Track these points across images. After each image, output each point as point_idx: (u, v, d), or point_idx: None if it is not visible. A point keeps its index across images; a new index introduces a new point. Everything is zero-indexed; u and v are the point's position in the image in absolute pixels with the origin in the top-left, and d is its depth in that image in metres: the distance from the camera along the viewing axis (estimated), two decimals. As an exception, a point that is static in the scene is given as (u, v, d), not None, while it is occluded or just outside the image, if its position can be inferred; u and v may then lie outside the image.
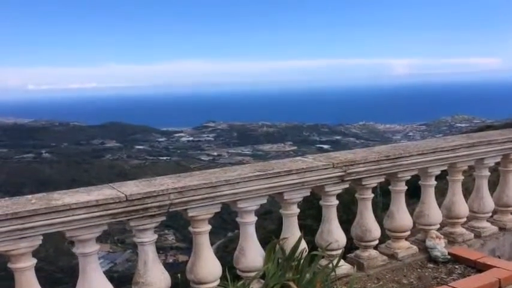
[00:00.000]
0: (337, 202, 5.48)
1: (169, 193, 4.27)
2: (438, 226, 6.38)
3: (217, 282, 4.77)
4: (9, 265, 3.90)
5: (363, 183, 5.59)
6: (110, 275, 24.32)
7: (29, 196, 4.07)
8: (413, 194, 6.61)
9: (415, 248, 6.14)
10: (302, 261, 4.95)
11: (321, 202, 5.51)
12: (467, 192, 6.82)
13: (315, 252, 5.17)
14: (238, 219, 4.97)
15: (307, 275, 4.87)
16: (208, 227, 4.72)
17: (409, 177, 5.98)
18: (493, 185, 7.03)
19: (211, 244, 4.83)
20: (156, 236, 4.50)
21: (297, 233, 5.19)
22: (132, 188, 4.30)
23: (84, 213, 3.92)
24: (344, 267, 5.51)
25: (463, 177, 6.56)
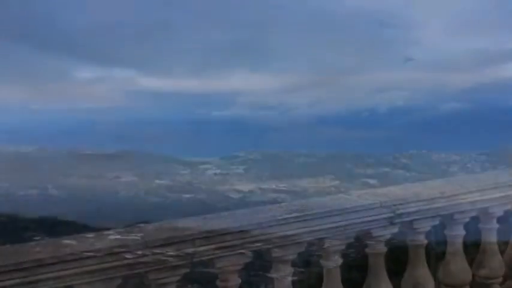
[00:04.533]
0: (385, 249, 5.35)
1: (194, 239, 4.20)
2: (501, 279, 6.18)
3: None
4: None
5: (415, 226, 5.44)
6: None
7: (33, 243, 4.06)
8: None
9: (474, 307, 5.99)
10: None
11: (367, 250, 5.39)
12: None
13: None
14: (272, 272, 4.87)
15: None
16: (238, 281, 4.63)
17: (467, 219, 5.80)
18: None
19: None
20: (178, 293, 4.42)
21: (340, 289, 5.08)
22: (150, 232, 4.25)
23: (96, 264, 3.87)
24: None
25: (527, 220, 6.42)
